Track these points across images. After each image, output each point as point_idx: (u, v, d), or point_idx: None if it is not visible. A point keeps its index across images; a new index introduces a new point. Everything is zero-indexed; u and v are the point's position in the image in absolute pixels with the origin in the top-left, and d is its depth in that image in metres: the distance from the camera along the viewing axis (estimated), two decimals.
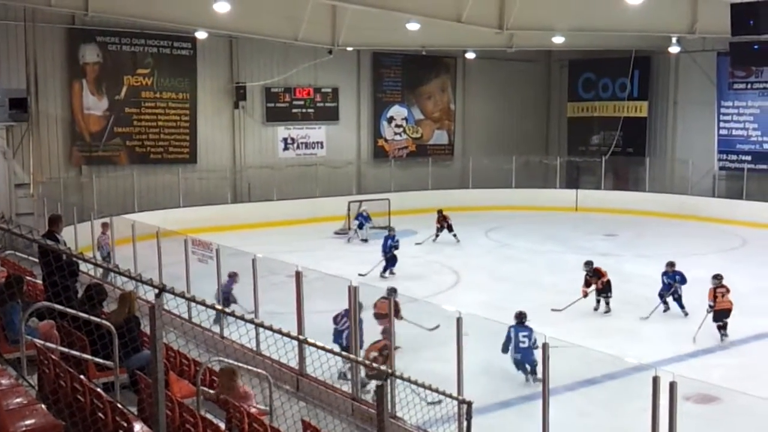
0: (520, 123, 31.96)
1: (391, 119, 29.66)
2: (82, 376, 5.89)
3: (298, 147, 27.48)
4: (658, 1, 19.59)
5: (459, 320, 8.41)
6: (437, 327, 11.48)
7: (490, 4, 20.68)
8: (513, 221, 25.43)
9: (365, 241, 22.04)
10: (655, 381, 6.41)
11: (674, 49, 25.05)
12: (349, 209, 23.55)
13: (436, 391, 7.88)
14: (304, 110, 27.36)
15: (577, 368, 10.35)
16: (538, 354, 9.30)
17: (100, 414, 5.32)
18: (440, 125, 30.77)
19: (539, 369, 8.72)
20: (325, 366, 7.99)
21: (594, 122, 31.16)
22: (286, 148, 27.29)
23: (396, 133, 29.81)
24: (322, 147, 27.95)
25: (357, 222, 22.96)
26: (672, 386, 6.28)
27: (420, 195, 27.23)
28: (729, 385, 9.28)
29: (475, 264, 19.50)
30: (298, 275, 10.12)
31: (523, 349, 10.95)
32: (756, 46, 13.73)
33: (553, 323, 12.97)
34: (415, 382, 7.48)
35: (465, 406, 8.35)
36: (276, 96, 26.72)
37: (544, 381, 7.72)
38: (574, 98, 31.80)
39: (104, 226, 16.67)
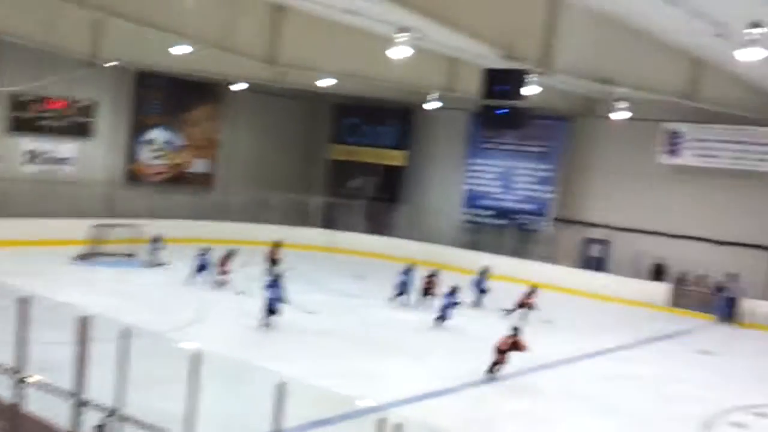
0: (284, 160, 32.10)
1: (150, 142, 28.49)
2: None
3: (43, 161, 25.47)
4: (421, 57, 20.63)
5: (196, 356, 8.00)
6: None
7: (262, 37, 20.65)
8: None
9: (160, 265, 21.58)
10: (381, 423, 6.46)
11: (433, 105, 26.57)
12: (96, 233, 22.12)
13: None
14: (55, 123, 25.46)
15: (311, 409, 10.28)
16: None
17: None
18: (203, 154, 30.05)
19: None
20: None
21: (355, 166, 32.07)
22: (30, 162, 25.19)
23: (154, 157, 28.65)
24: (71, 164, 26.12)
25: (150, 247, 22.28)
26: (398, 428, 6.36)
27: (175, 224, 26.20)
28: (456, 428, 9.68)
29: (216, 299, 18.77)
30: (23, 301, 9.15)
31: None
32: (498, 111, 14.68)
33: (293, 360, 12.95)
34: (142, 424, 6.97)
35: None
36: (24, 105, 24.64)
37: (277, 422, 7.52)
38: (338, 141, 32.58)
39: None
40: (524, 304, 19.30)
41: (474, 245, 28.69)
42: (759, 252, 24.78)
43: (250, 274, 20.28)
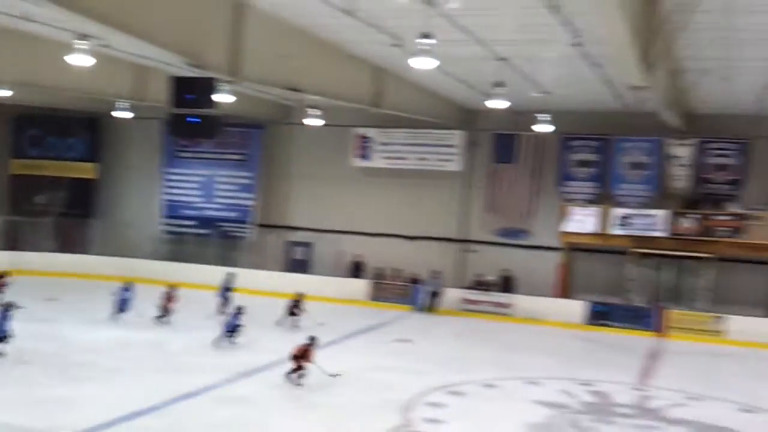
0: None
1: None
2: None
3: None
4: (107, 65, 19.55)
5: None
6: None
7: None
8: None
9: None
10: None
11: (123, 114, 25.35)
12: None
13: None
14: None
15: None
16: None
17: None
18: None
19: None
20: None
21: (41, 181, 29.64)
22: None
23: None
24: None
25: None
26: None
27: None
28: None
29: None
30: None
31: None
32: (190, 119, 14.38)
33: None
34: None
35: None
36: None
37: None
38: (19, 155, 29.90)
39: None
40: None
41: (176, 257, 27.94)
42: (446, 244, 27.04)
43: None
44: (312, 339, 14.51)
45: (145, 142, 29.32)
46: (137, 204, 29.73)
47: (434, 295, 24.80)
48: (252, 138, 28.72)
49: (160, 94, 20.97)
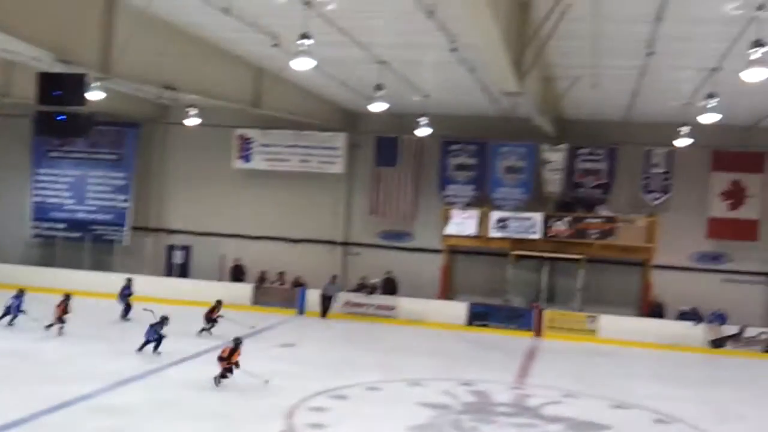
0: None
1: None
2: None
3: None
4: None
5: None
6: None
7: None
8: None
9: None
10: None
11: None
12: None
13: None
14: None
15: None
16: None
17: None
18: None
19: None
20: None
21: None
22: None
23: None
24: None
25: None
26: None
27: None
28: None
29: None
30: None
31: None
32: (58, 117, 13.73)
33: None
34: None
35: None
36: None
37: None
38: None
39: None
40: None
41: (47, 261, 26.67)
42: (330, 247, 26.99)
43: None
44: (237, 341, 14.56)
45: (12, 140, 27.77)
46: (4, 206, 28.14)
47: (328, 299, 24.51)
48: (127, 137, 27.73)
49: (26, 92, 19.97)
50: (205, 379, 14.19)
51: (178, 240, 27.73)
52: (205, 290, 24.73)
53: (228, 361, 14.27)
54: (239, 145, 27.01)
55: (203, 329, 19.54)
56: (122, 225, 27.55)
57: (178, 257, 27.52)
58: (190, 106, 23.48)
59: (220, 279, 26.30)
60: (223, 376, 14.25)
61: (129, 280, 21.91)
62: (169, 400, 13.36)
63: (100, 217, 27.68)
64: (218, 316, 19.76)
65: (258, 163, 27.00)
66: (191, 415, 12.63)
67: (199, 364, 16.24)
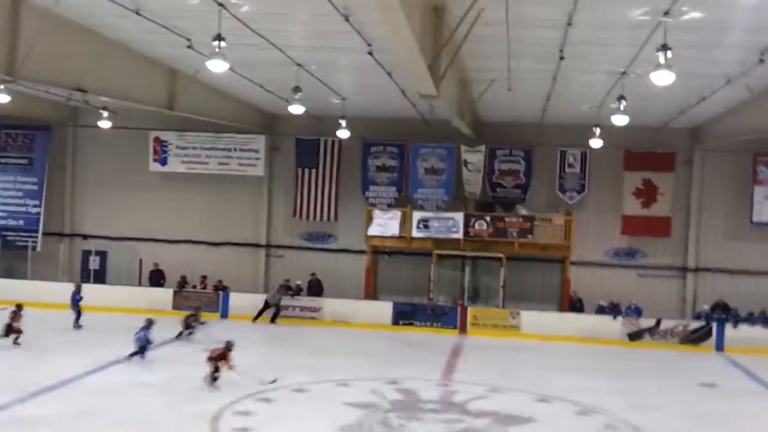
0: None
1: None
2: None
3: None
4: None
5: None
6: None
7: None
8: None
9: None
10: None
11: None
12: None
13: None
14: None
15: None
16: None
17: None
18: None
19: None
20: None
21: None
22: None
23: None
24: None
25: None
26: None
27: None
28: None
29: None
30: None
31: None
32: None
33: None
34: None
35: None
36: None
37: None
38: None
39: None
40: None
41: None
42: (252, 250, 26.70)
43: None
44: (228, 344, 14.81)
45: None
46: None
47: (277, 308, 23.83)
48: (38, 140, 26.81)
49: None
50: (119, 387, 13.75)
51: (94, 245, 26.95)
52: (121, 295, 24.19)
53: (216, 363, 14.52)
54: (155, 148, 26.42)
55: (181, 333, 19.73)
56: (35, 230, 26.63)
57: (93, 263, 26.77)
58: (103, 108, 22.86)
59: (138, 284, 25.67)
60: (214, 378, 14.48)
61: (78, 286, 21.29)
62: (89, 410, 12.96)
63: (11, 222, 26.70)
64: (195, 323, 20.00)
65: (175, 165, 26.46)
66: (113, 424, 12.28)
67: (115, 372, 15.87)
